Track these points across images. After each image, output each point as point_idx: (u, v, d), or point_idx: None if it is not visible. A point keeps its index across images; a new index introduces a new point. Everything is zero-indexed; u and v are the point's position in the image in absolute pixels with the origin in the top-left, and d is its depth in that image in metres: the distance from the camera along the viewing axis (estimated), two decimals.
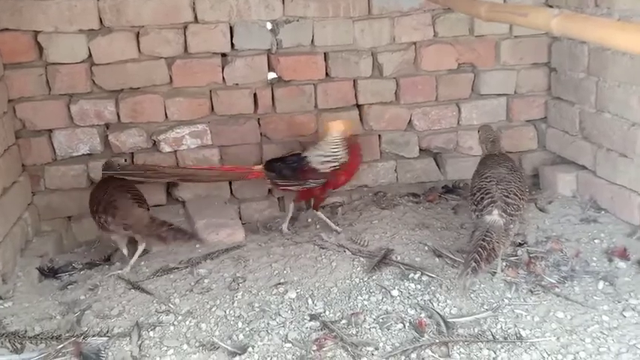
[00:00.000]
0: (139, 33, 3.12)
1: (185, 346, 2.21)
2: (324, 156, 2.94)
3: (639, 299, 2.34)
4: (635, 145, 2.81)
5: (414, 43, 3.36)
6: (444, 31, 3.35)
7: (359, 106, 3.39)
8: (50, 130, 3.13)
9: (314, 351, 2.14)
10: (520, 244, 2.77)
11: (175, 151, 3.23)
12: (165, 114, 3.20)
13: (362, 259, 2.71)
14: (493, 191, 2.49)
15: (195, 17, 3.16)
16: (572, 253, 2.69)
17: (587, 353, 2.08)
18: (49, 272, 2.78)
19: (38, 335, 2.28)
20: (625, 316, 2.25)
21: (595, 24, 1.86)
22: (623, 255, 2.64)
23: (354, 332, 2.24)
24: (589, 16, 2.24)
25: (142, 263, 2.77)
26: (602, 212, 3.03)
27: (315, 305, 2.41)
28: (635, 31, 1.70)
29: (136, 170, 2.97)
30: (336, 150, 2.94)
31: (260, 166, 3.06)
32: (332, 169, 2.94)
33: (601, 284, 2.46)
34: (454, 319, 2.28)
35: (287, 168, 2.98)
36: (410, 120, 3.42)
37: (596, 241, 2.80)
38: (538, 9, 2.22)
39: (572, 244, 2.77)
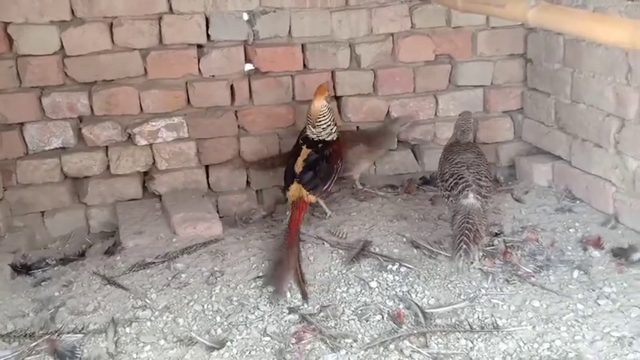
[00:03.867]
0: (112, 24, 3.07)
1: (162, 342, 2.18)
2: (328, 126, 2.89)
3: (613, 287, 2.38)
4: (610, 135, 2.84)
5: (392, 35, 3.35)
6: (421, 22, 3.35)
7: (337, 98, 3.37)
8: (22, 124, 3.05)
9: (293, 344, 2.14)
10: (497, 234, 2.80)
11: (151, 144, 3.19)
12: (141, 106, 3.15)
13: (340, 251, 2.70)
14: (466, 175, 2.56)
15: (170, 8, 3.11)
16: (548, 242, 2.72)
17: (562, 341, 2.11)
18: (22, 269, 2.73)
19: (11, 333, 2.24)
20: (599, 304, 2.28)
21: (571, 15, 1.87)
22: (598, 244, 2.68)
23: (332, 324, 2.24)
24: (565, 8, 2.26)
25: (118, 258, 2.73)
26: (577, 202, 3.07)
27: (294, 298, 2.40)
28: (610, 22, 1.72)
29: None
30: (329, 118, 2.90)
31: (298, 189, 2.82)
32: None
33: (576, 273, 2.49)
34: (432, 310, 2.30)
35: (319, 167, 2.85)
36: (388, 111, 3.42)
37: (571, 230, 2.84)
38: (515, 0, 2.22)
39: (547, 234, 2.80)
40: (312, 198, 2.85)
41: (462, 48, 3.42)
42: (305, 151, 2.89)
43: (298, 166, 2.87)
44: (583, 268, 2.52)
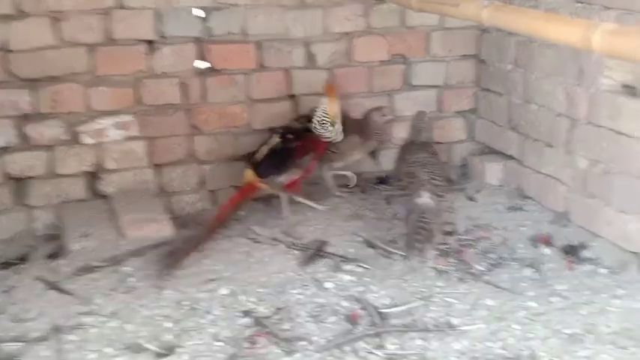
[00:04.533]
0: (58, 18, 2.94)
1: (109, 349, 2.10)
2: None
3: (564, 285, 2.42)
4: (561, 135, 2.90)
5: (347, 34, 3.34)
6: (376, 22, 3.35)
7: (293, 97, 3.34)
8: None
9: (246, 348, 2.09)
10: (450, 233, 2.82)
11: (99, 143, 3.07)
12: (88, 104, 3.04)
13: (296, 252, 2.67)
14: (421, 175, 2.58)
15: (119, 2, 3.01)
16: (500, 240, 2.76)
17: (515, 339, 2.12)
18: None
19: None
20: (551, 302, 2.32)
21: (525, 15, 1.89)
22: (548, 242, 2.73)
23: (287, 327, 2.21)
24: (519, 8, 2.29)
25: (63, 262, 2.62)
26: (529, 200, 3.12)
27: (248, 301, 2.35)
28: (563, 22, 1.74)
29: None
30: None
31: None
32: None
33: (528, 271, 2.53)
34: (387, 310, 2.29)
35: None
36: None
37: (522, 228, 2.88)
38: (468, 0, 2.24)
39: (499, 232, 2.84)
40: (263, 186, 2.83)
41: (416, 48, 3.43)
42: (274, 139, 2.91)
43: (260, 153, 2.87)
44: (535, 265, 2.56)
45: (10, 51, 2.89)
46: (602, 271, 2.50)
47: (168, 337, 2.16)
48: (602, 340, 2.09)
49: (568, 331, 2.15)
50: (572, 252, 2.63)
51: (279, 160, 2.85)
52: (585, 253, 2.61)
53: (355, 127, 3.22)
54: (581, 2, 2.70)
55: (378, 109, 3.28)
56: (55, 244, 2.82)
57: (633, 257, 2.51)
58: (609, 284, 2.40)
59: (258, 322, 2.22)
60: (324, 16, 3.28)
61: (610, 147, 2.63)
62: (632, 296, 2.32)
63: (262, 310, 2.31)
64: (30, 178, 3.01)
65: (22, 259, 2.74)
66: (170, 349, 2.08)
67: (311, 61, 3.31)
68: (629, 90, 2.56)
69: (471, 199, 3.19)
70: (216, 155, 3.26)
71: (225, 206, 2.62)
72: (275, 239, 2.79)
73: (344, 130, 3.11)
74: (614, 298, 2.31)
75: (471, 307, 2.30)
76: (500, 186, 3.30)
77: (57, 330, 2.17)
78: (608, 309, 2.25)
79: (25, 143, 2.99)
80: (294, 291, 2.41)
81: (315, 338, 2.15)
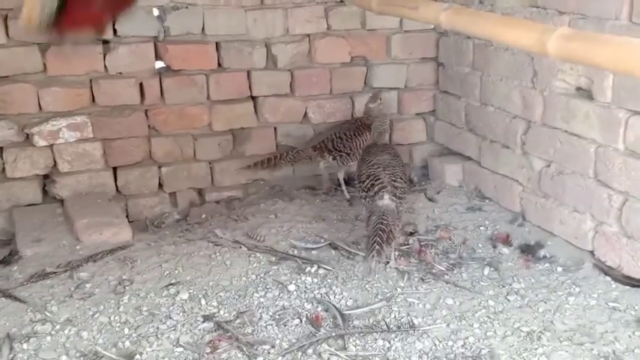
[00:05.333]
0: (7, 16, 2.84)
1: (64, 357, 2.03)
2: None
3: (521, 283, 2.47)
4: (517, 136, 2.96)
5: (308, 35, 3.33)
6: (337, 24, 3.35)
7: (254, 98, 3.31)
8: None
9: (207, 354, 2.05)
10: (411, 234, 2.84)
11: (52, 145, 2.98)
12: (40, 105, 2.94)
13: (258, 254, 2.64)
14: (382, 177, 2.59)
15: None
16: (460, 240, 2.80)
17: (475, 338, 2.15)
18: None
19: None
20: (509, 300, 2.36)
21: (483, 19, 1.91)
22: (506, 241, 2.78)
23: (249, 331, 2.18)
24: (477, 11, 2.31)
25: (15, 268, 2.52)
26: (487, 201, 3.18)
27: (209, 305, 2.31)
28: (521, 26, 1.77)
29: None
30: None
31: None
32: None
33: (487, 270, 2.57)
34: (350, 311, 2.29)
35: None
36: (305, 112, 3.40)
37: (481, 228, 2.93)
38: (428, 3, 2.25)
39: (459, 232, 2.87)
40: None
41: (377, 50, 3.45)
42: None
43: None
44: (493, 264, 2.60)
45: None
46: (558, 269, 2.55)
47: (127, 344, 2.10)
48: (559, 337, 2.14)
49: (526, 329, 2.19)
50: (528, 251, 2.69)
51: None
52: (542, 252, 2.66)
53: (363, 125, 3.19)
54: (536, 7, 2.77)
55: (373, 97, 3.25)
56: (6, 250, 2.71)
57: (587, 255, 2.59)
58: (565, 282, 2.46)
59: (220, 326, 2.19)
60: (284, 17, 3.27)
61: (563, 148, 2.70)
62: (587, 293, 2.38)
63: (224, 314, 2.27)
64: None
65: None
66: (129, 356, 2.03)
67: (272, 62, 3.29)
68: (583, 93, 2.64)
69: (431, 199, 3.23)
70: (175, 157, 3.20)
71: None
72: (237, 242, 2.75)
73: (356, 130, 3.15)
74: (570, 296, 2.36)
75: (432, 306, 2.33)
76: (459, 187, 3.35)
77: (9, 339, 2.09)
78: (564, 306, 2.30)
79: None
80: (257, 294, 2.38)
81: (277, 341, 2.13)
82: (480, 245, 2.77)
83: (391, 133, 3.46)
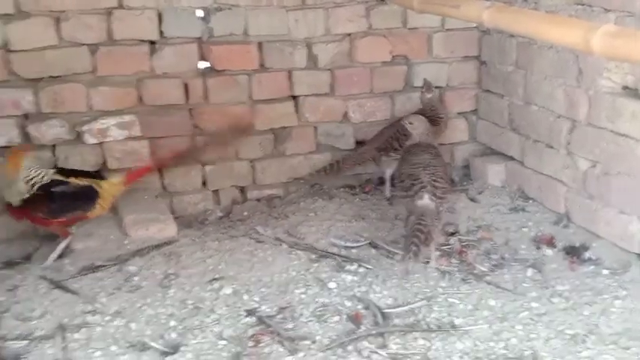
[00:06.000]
0: (59, 18, 2.95)
1: (114, 348, 2.10)
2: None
3: (565, 285, 2.43)
4: (561, 136, 2.91)
5: (349, 35, 3.35)
6: (378, 22, 3.36)
7: (294, 98, 3.34)
8: None
9: (250, 347, 2.10)
10: (452, 234, 2.83)
11: (101, 142, 3.08)
12: (90, 104, 3.04)
13: (299, 251, 2.68)
14: (422, 176, 2.57)
15: (120, 2, 3.01)
16: (502, 241, 2.77)
17: (517, 339, 2.13)
18: None
19: None
20: (553, 302, 2.33)
21: (526, 17, 1.90)
22: (550, 242, 2.74)
23: (290, 326, 2.21)
24: (520, 9, 2.30)
25: (66, 261, 2.62)
26: (530, 201, 3.13)
27: (251, 300, 2.36)
28: (565, 24, 1.75)
29: None
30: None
31: None
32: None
33: (529, 271, 2.54)
34: (390, 310, 2.29)
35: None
36: (345, 112, 3.42)
37: (524, 229, 2.89)
38: (470, 1, 2.25)
39: (501, 233, 2.85)
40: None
41: (418, 49, 3.44)
42: None
43: None
44: (537, 266, 2.57)
45: (12, 51, 2.89)
46: (604, 271, 2.51)
47: (173, 336, 2.16)
48: (605, 341, 2.10)
49: (570, 332, 2.15)
50: (573, 253, 2.64)
51: None
52: (587, 254, 2.62)
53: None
54: (581, 4, 2.72)
55: (427, 86, 3.22)
56: (58, 244, 2.81)
57: (634, 258, 2.53)
58: (611, 285, 2.41)
59: (262, 321, 2.23)
60: (325, 16, 3.29)
61: (609, 148, 2.64)
62: (633, 297, 2.32)
63: (265, 309, 2.31)
64: None
65: (26, 258, 2.73)
66: (175, 348, 2.09)
67: (313, 61, 3.32)
68: (630, 92, 2.58)
69: (473, 200, 3.20)
70: (218, 156, 3.26)
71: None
72: (278, 239, 2.80)
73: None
74: (616, 299, 2.32)
75: (473, 307, 2.31)
76: (502, 187, 3.31)
77: (62, 328, 2.18)
78: (610, 309, 2.26)
79: (28, 143, 2.99)
80: (298, 290, 2.42)
81: (318, 337, 2.15)
82: (523, 246, 2.74)
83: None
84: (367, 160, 3.26)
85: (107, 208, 2.72)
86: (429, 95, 3.23)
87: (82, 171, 2.80)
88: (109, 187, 2.70)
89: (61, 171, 2.71)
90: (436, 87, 3.48)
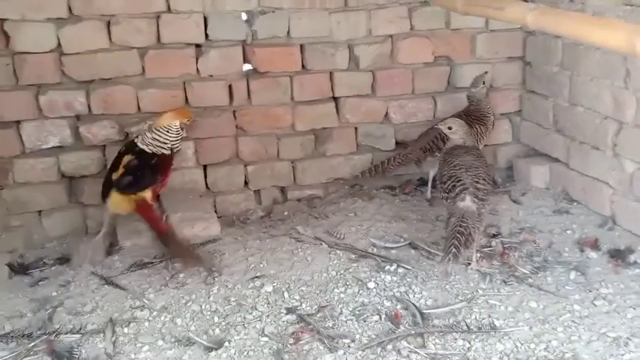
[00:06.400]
0: (109, 22, 3.05)
1: (160, 342, 2.18)
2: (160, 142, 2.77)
3: (609, 288, 2.40)
4: (607, 137, 2.86)
5: (391, 36, 3.35)
6: (420, 24, 3.36)
7: (335, 99, 3.37)
8: (18, 122, 3.03)
9: (291, 344, 2.14)
10: (494, 236, 2.81)
11: None
12: (138, 105, 3.14)
13: (338, 251, 2.71)
14: (464, 178, 2.56)
15: (168, 7, 3.09)
16: (545, 244, 2.74)
17: (559, 342, 2.12)
18: (20, 268, 2.71)
19: (9, 334, 2.24)
20: (596, 305, 2.30)
21: (570, 19, 1.88)
22: (595, 245, 2.69)
23: (330, 325, 2.25)
24: (564, 11, 2.27)
25: (116, 258, 2.72)
26: (575, 204, 3.08)
27: (292, 299, 2.41)
28: (608, 26, 1.73)
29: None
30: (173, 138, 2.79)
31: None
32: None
33: (573, 274, 2.50)
34: (429, 311, 2.30)
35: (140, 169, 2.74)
36: (386, 113, 3.43)
37: (568, 232, 2.85)
38: (514, 3, 2.23)
39: (545, 235, 2.81)
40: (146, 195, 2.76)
41: (461, 50, 3.42)
42: (126, 158, 2.78)
43: (117, 173, 2.76)
44: (580, 269, 2.53)
45: (65, 54, 3.01)
46: None
47: (217, 332, 2.23)
48: None
49: (612, 335, 2.13)
50: (618, 256, 2.59)
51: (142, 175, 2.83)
52: (632, 257, 2.57)
53: (471, 116, 3.13)
54: (630, 5, 2.66)
55: (475, 81, 3.19)
56: (108, 241, 2.92)
57: None
58: None
59: (302, 319, 2.27)
60: (367, 18, 3.31)
61: None
62: None
63: (305, 307, 2.35)
64: (83, 177, 3.12)
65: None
66: (219, 343, 2.15)
67: (354, 63, 3.35)
68: None
69: (516, 201, 3.17)
70: (260, 156, 3.32)
71: (160, 228, 2.73)
72: (317, 239, 2.83)
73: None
74: None
75: (514, 309, 2.30)
76: (546, 189, 3.27)
77: (112, 323, 2.27)
78: None
79: (79, 143, 3.11)
80: (337, 290, 2.45)
81: (357, 336, 2.18)
82: (567, 249, 2.70)
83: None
84: (412, 160, 3.25)
85: None
86: (473, 90, 3.20)
87: None
88: None
89: None
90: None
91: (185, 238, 2.75)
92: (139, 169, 2.74)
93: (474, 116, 3.14)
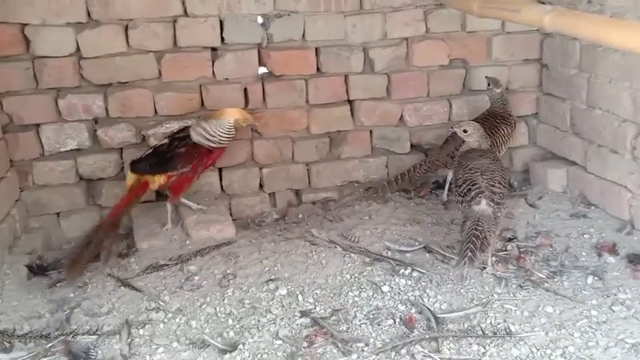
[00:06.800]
0: (127, 26, 3.08)
1: (175, 344, 2.20)
2: (210, 134, 2.83)
3: (627, 294, 2.37)
4: (626, 141, 2.82)
5: (406, 39, 3.35)
6: (436, 26, 3.35)
7: (350, 102, 3.38)
8: (38, 125, 3.08)
9: (304, 347, 2.14)
10: (510, 240, 2.79)
11: None
12: (155, 109, 3.17)
13: (353, 255, 2.71)
14: (479, 182, 2.55)
15: (185, 11, 3.12)
16: (562, 248, 2.71)
17: (575, 347, 2.09)
18: (38, 269, 2.74)
19: (27, 334, 2.27)
20: (614, 311, 2.27)
21: (588, 21, 1.86)
22: (613, 250, 2.66)
23: (344, 328, 2.24)
24: (582, 13, 2.25)
25: (132, 260, 2.75)
26: (592, 207, 3.05)
27: (306, 302, 2.41)
28: (627, 28, 1.71)
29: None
30: (224, 134, 2.84)
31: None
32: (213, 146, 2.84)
33: (590, 279, 2.48)
34: (444, 315, 2.29)
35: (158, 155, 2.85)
36: (401, 115, 3.42)
37: (585, 236, 2.82)
38: (530, 5, 2.22)
39: (561, 240, 2.78)
40: (152, 181, 2.85)
41: (477, 52, 3.41)
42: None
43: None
44: (597, 274, 2.50)
45: (83, 57, 3.05)
46: None
47: (231, 334, 2.24)
48: None
49: (631, 341, 2.10)
50: (637, 261, 2.56)
51: (158, 159, 2.93)
52: None
53: (497, 117, 3.10)
54: None
55: (494, 81, 3.16)
56: (124, 243, 2.95)
57: None
58: None
59: (316, 322, 2.27)
60: (383, 21, 3.31)
61: None
62: None
63: (319, 310, 2.35)
64: (101, 179, 3.16)
65: (95, 256, 2.88)
66: (233, 346, 2.16)
67: (369, 66, 3.34)
68: None
69: (532, 205, 3.14)
70: (275, 159, 3.33)
71: (113, 212, 2.81)
72: (332, 242, 2.83)
73: (492, 126, 3.02)
74: None
75: (530, 314, 2.28)
76: (563, 192, 3.24)
77: (128, 325, 2.29)
78: None
79: (97, 146, 3.15)
80: (351, 293, 2.45)
81: (371, 340, 2.18)
82: (584, 253, 2.67)
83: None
84: (439, 167, 3.21)
85: None
86: (497, 90, 3.15)
87: None
88: None
89: None
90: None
91: (100, 247, 2.71)
92: (161, 154, 2.82)
93: (500, 117, 3.10)
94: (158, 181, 2.87)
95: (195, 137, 2.84)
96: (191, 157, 2.85)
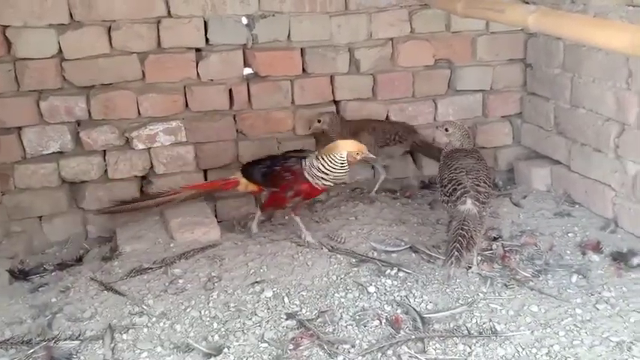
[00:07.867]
0: (110, 27, 3.06)
1: (159, 349, 2.17)
2: (321, 171, 2.68)
3: (612, 292, 2.38)
4: (609, 139, 2.84)
5: (391, 39, 3.35)
6: (421, 27, 3.35)
7: (336, 102, 3.37)
8: (19, 128, 3.04)
9: (290, 350, 2.13)
10: (495, 239, 2.80)
11: (149, 148, 3.18)
12: (138, 110, 3.14)
13: (339, 256, 2.70)
14: (464, 181, 2.55)
15: (169, 11, 3.10)
16: (546, 246, 2.72)
17: (560, 346, 2.10)
18: (20, 274, 2.71)
19: (8, 340, 2.23)
20: (598, 309, 2.28)
21: (571, 20, 1.87)
22: (597, 248, 2.67)
23: (330, 330, 2.23)
24: (565, 13, 2.26)
25: (115, 264, 2.72)
26: (576, 206, 3.07)
27: (292, 304, 2.39)
28: (610, 27, 1.72)
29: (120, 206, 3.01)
30: (336, 169, 2.67)
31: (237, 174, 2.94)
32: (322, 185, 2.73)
33: (574, 277, 2.49)
34: (430, 315, 2.29)
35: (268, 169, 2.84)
36: (387, 116, 3.42)
37: (569, 234, 2.83)
38: (515, 5, 2.23)
39: (546, 238, 2.80)
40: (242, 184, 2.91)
41: (461, 53, 3.42)
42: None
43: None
44: (582, 272, 2.51)
45: (66, 59, 3.01)
46: None
47: (216, 338, 2.22)
48: None
49: (615, 339, 2.11)
50: (621, 259, 2.58)
51: (263, 171, 2.94)
52: (635, 260, 2.55)
53: None
54: (632, 5, 2.65)
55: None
56: (107, 247, 2.92)
57: None
58: None
59: (302, 324, 2.26)
60: (368, 21, 3.31)
61: None
62: None
63: (305, 312, 2.34)
64: (84, 182, 3.13)
65: (78, 260, 2.85)
66: (218, 350, 2.14)
67: (355, 66, 3.34)
68: None
69: (516, 204, 3.16)
70: None
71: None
72: (318, 243, 2.82)
73: None
74: None
75: (515, 313, 2.29)
76: (547, 191, 3.26)
77: (111, 329, 2.26)
78: None
79: (80, 148, 3.11)
80: (337, 294, 2.44)
81: (357, 341, 2.17)
82: (568, 252, 2.69)
83: (475, 136, 3.41)
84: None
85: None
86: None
87: None
88: None
89: None
90: (480, 90, 3.45)
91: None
92: (268, 171, 2.82)
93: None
94: (250, 187, 2.93)
95: (306, 173, 2.71)
96: (289, 184, 2.75)
